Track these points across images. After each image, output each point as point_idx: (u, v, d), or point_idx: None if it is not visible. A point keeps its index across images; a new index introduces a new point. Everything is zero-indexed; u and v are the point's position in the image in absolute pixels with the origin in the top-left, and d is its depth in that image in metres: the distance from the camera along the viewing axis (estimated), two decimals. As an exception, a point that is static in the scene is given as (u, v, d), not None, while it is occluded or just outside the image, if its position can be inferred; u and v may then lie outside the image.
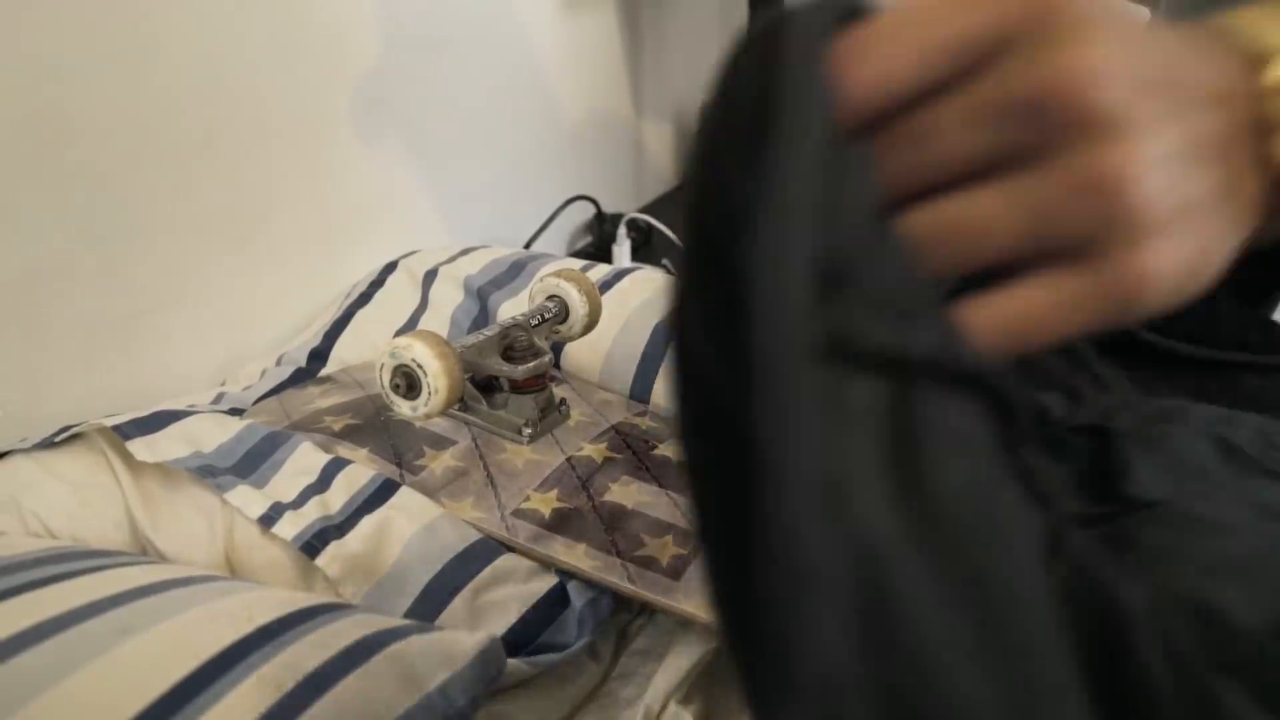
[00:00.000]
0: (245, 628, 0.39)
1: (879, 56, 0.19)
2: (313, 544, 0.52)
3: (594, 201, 1.32)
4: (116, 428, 0.57)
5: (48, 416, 0.70)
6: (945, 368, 0.18)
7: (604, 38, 1.43)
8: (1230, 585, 0.27)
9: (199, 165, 0.79)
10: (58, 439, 0.58)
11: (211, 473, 0.56)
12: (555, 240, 1.36)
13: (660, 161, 1.71)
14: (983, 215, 0.20)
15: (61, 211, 0.69)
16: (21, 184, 0.66)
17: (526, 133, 1.28)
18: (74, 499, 0.55)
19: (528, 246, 1.22)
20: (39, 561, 0.44)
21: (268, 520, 0.53)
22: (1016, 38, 0.19)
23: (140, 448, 0.56)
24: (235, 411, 0.71)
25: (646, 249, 1.37)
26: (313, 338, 0.85)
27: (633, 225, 1.32)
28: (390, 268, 0.93)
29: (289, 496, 0.56)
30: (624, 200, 1.56)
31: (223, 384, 0.84)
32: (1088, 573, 0.21)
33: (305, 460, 0.59)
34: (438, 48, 1.07)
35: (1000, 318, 0.20)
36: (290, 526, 0.53)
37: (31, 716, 0.33)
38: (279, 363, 0.84)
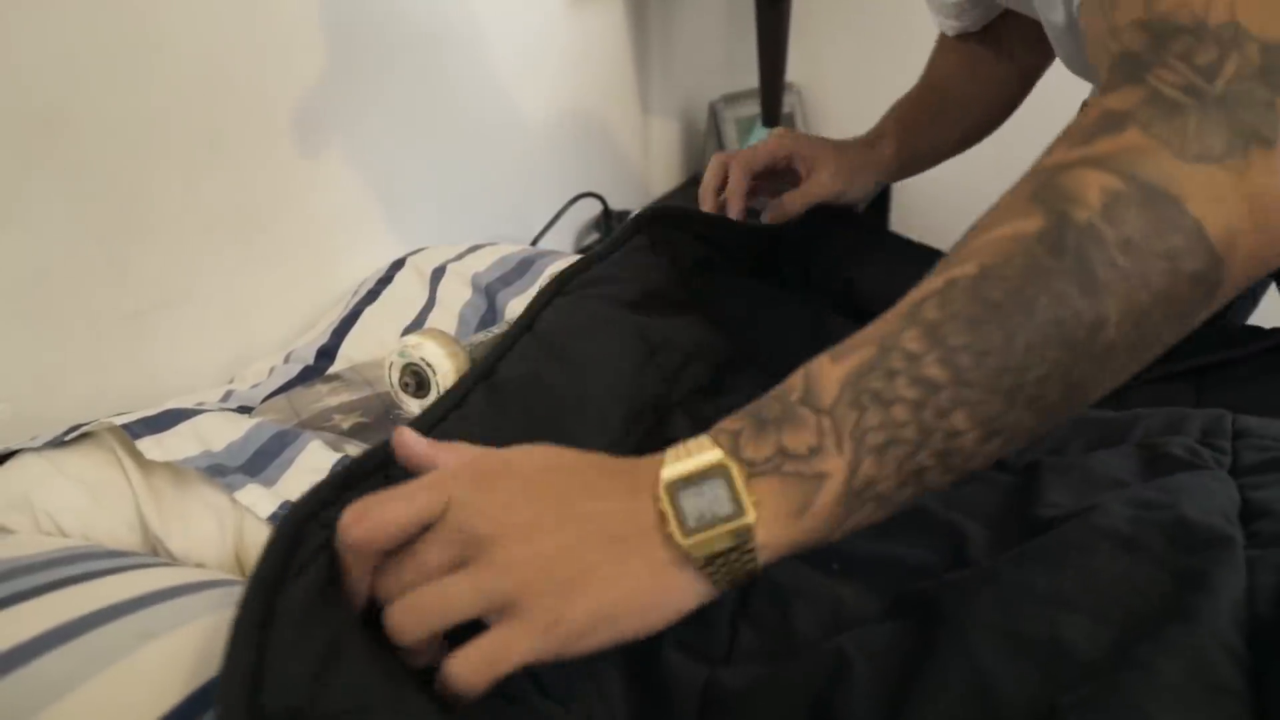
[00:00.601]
0: None
1: (366, 525, 0.33)
2: None
3: (601, 199, 1.32)
4: (126, 426, 0.57)
5: (56, 414, 0.70)
6: None
7: (611, 34, 1.43)
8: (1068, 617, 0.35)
9: (206, 163, 0.79)
10: (68, 438, 0.58)
11: (221, 472, 0.56)
12: (562, 237, 1.36)
13: (667, 158, 1.71)
14: (453, 591, 0.32)
15: (69, 210, 0.69)
16: (30, 182, 0.66)
17: (533, 129, 1.27)
18: (85, 498, 0.55)
19: (534, 244, 1.22)
20: (54, 562, 0.44)
21: (277, 520, 0.53)
22: (437, 514, 0.34)
23: (150, 446, 0.56)
24: (244, 409, 0.71)
25: (653, 246, 1.36)
26: (320, 335, 0.85)
27: (640, 222, 1.31)
28: (398, 265, 0.93)
29: (298, 495, 0.56)
30: (631, 197, 1.56)
31: (230, 381, 0.84)
32: None
33: (315, 459, 0.58)
34: (444, 44, 1.07)
35: (482, 652, 0.32)
36: None
37: None
38: (287, 360, 0.83)
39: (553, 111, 1.31)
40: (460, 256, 0.93)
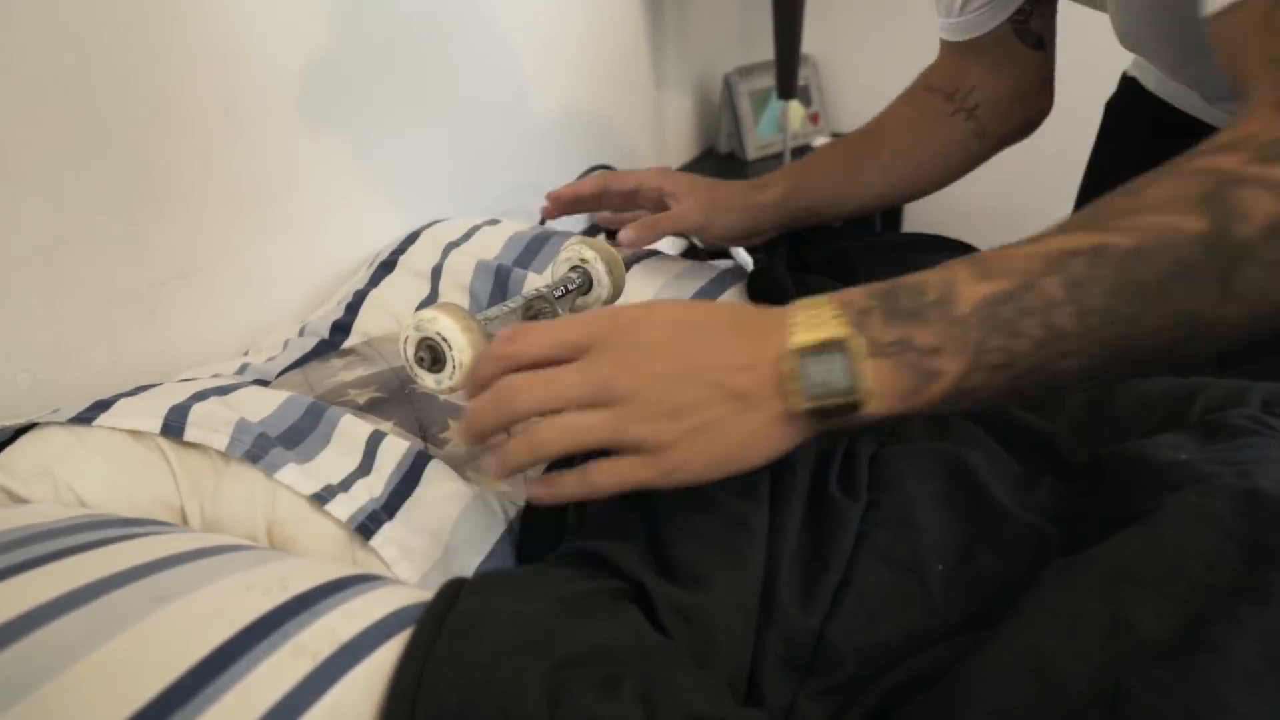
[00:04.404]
0: (280, 596, 0.39)
1: (517, 342, 0.42)
2: (367, 525, 0.51)
3: (615, 171, 1.31)
4: (166, 427, 0.54)
5: (74, 383, 0.70)
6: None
7: (626, 5, 1.41)
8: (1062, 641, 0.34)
9: (221, 133, 0.79)
10: (114, 425, 0.55)
11: (257, 444, 0.54)
12: (575, 211, 1.36)
13: (681, 131, 1.69)
14: (595, 422, 0.39)
15: (85, 180, 0.69)
16: (46, 152, 0.66)
17: (548, 101, 1.26)
18: (111, 471, 0.53)
19: (547, 216, 1.22)
20: (72, 529, 0.44)
21: (320, 499, 0.52)
22: (579, 351, 0.41)
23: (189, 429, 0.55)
24: (260, 384, 0.71)
25: (666, 220, 1.36)
26: (335, 308, 0.85)
27: (653, 196, 1.30)
28: (412, 238, 0.93)
29: (338, 477, 0.54)
30: (644, 170, 1.54)
31: (245, 353, 0.84)
32: None
33: (351, 433, 0.57)
34: (459, 16, 1.06)
35: (605, 472, 0.40)
36: (345, 506, 0.52)
37: (68, 682, 0.33)
38: (302, 333, 0.84)
39: (567, 83, 1.30)
40: (475, 229, 0.93)
